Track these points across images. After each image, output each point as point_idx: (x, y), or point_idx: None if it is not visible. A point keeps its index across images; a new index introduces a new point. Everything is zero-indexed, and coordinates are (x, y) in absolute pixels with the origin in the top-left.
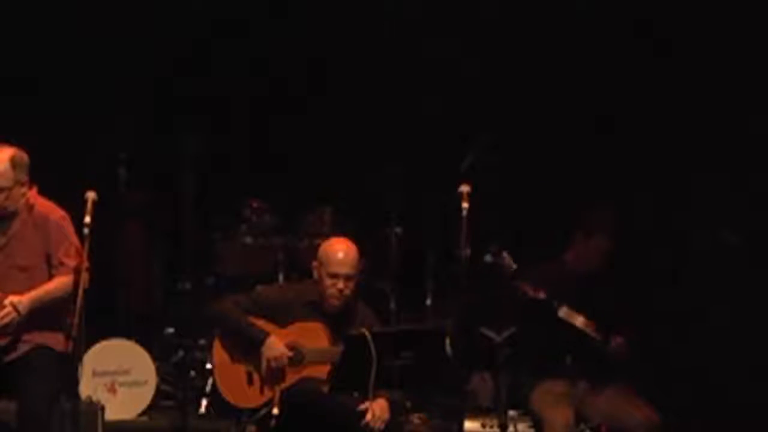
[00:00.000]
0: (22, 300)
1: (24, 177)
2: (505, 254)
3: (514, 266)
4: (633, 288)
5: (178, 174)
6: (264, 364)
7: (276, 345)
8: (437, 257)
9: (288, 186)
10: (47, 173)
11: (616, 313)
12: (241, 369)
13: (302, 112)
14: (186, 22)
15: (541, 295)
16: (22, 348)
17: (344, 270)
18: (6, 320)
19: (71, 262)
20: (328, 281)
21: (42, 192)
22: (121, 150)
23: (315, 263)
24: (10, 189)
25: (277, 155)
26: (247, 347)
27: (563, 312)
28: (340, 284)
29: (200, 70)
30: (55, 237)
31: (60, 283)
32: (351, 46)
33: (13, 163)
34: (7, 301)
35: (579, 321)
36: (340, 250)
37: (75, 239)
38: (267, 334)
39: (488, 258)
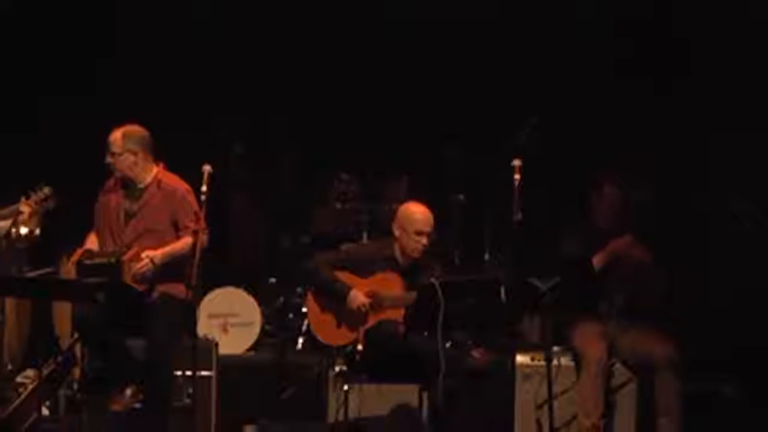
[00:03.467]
0: (157, 254)
1: (134, 147)
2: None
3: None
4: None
5: (282, 150)
6: (349, 311)
7: (358, 297)
8: (493, 220)
9: (371, 159)
10: (175, 150)
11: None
12: (331, 316)
13: (385, 97)
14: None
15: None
16: (153, 295)
17: (428, 228)
18: (144, 269)
19: (193, 226)
20: (415, 237)
21: (168, 167)
22: (235, 129)
23: (396, 225)
24: (119, 155)
25: (363, 132)
26: (334, 299)
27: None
28: (425, 240)
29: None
30: (181, 207)
31: (184, 242)
32: (421, 29)
33: (124, 134)
34: (144, 254)
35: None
36: (422, 212)
37: (196, 207)
38: (350, 288)
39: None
